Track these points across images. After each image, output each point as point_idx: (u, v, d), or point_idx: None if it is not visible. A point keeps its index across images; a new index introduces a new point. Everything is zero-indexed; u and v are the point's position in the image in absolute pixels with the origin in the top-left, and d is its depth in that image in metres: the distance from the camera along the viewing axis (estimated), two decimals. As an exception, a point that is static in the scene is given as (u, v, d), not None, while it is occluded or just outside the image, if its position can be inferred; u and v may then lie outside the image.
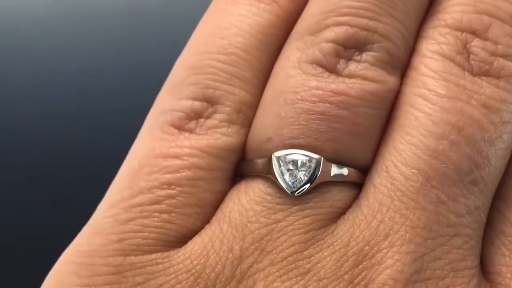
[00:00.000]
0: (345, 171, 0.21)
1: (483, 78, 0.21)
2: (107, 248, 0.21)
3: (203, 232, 0.21)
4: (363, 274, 0.20)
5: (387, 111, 0.22)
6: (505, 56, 0.21)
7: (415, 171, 0.20)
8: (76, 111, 0.41)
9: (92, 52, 0.42)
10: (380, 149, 0.21)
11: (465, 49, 0.21)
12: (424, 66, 0.21)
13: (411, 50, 0.22)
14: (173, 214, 0.21)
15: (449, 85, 0.21)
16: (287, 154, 0.21)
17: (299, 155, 0.21)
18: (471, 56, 0.21)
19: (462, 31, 0.22)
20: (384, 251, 0.20)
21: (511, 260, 0.21)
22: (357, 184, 0.21)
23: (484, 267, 0.21)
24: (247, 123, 0.22)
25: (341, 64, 0.21)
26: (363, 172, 0.21)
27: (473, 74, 0.21)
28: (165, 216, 0.21)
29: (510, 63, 0.21)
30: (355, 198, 0.21)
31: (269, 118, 0.21)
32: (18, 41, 0.43)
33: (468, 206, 0.20)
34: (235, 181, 0.22)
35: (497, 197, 0.21)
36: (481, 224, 0.21)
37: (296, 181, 0.21)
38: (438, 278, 0.20)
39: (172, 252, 0.21)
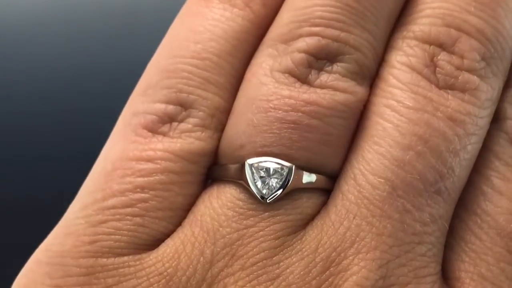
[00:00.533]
0: (313, 178, 0.22)
1: (449, 91, 0.22)
2: (79, 250, 0.21)
3: (175, 235, 0.22)
4: (329, 280, 0.21)
5: (356, 121, 0.22)
6: (470, 71, 0.22)
7: (382, 180, 0.21)
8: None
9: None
10: (349, 157, 0.22)
11: (432, 62, 0.22)
12: (393, 78, 0.22)
13: (380, 60, 0.23)
14: (146, 218, 0.21)
15: (417, 97, 0.22)
16: (259, 162, 0.21)
17: (272, 163, 0.21)
18: (437, 69, 0.22)
19: (430, 44, 0.22)
20: (350, 257, 0.21)
21: (470, 266, 0.22)
22: (326, 191, 0.22)
23: (445, 273, 0.22)
24: (220, 128, 0.23)
25: (312, 75, 0.22)
26: (332, 179, 0.22)
27: (439, 87, 0.22)
28: (137, 219, 0.21)
29: (475, 77, 0.22)
30: (324, 204, 0.22)
31: (242, 125, 0.22)
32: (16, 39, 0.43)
33: (432, 215, 0.21)
34: (206, 184, 0.23)
35: (459, 205, 0.22)
36: (443, 232, 0.22)
37: (268, 188, 0.21)
38: (402, 284, 0.21)
39: (144, 255, 0.21)
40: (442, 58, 0.22)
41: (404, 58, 0.22)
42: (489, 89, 0.22)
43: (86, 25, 0.44)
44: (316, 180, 0.22)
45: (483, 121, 0.22)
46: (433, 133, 0.21)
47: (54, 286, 0.21)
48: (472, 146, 0.22)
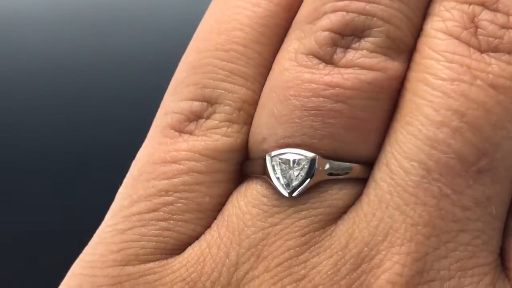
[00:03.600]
0: (346, 167, 0.20)
1: (491, 54, 0.19)
2: (107, 259, 0.21)
3: (202, 237, 0.21)
4: (361, 278, 0.19)
5: (391, 100, 0.20)
6: None
7: (415, 163, 0.19)
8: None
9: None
10: (385, 141, 0.20)
11: (472, 24, 0.19)
12: (427, 48, 0.20)
13: (418, 31, 0.20)
14: (171, 221, 0.21)
15: (452, 66, 0.19)
16: (280, 154, 0.20)
17: (292, 154, 0.20)
18: (479, 30, 0.19)
19: (470, 3, 0.20)
20: (383, 252, 0.19)
21: None
22: (363, 181, 0.20)
23: (505, 263, 0.19)
24: (250, 121, 0.21)
25: (337, 54, 0.20)
26: (367, 167, 0.20)
27: (481, 50, 0.19)
28: (163, 223, 0.21)
29: None
30: (359, 195, 0.20)
31: (264, 117, 0.20)
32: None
33: (476, 198, 0.19)
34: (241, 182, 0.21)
35: None
36: (496, 216, 0.19)
37: (290, 181, 0.20)
38: (443, 279, 0.18)
39: (170, 260, 0.20)
40: (484, 17, 0.19)
41: (440, 24, 0.20)
42: None
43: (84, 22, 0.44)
44: (346, 169, 0.20)
45: None
46: (470, 104, 0.19)
47: None
48: None
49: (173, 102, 0.22)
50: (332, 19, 0.20)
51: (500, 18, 0.19)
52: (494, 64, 0.19)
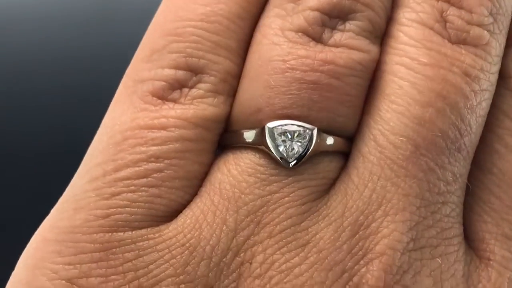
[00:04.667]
0: (335, 140, 0.21)
1: (462, 46, 0.21)
2: (91, 224, 0.20)
3: (193, 205, 0.20)
4: (360, 244, 0.20)
5: (369, 81, 0.22)
6: (480, 25, 0.22)
7: (404, 139, 0.20)
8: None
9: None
10: (364, 118, 0.21)
11: (441, 17, 0.22)
12: (404, 35, 0.22)
13: (389, 19, 0.22)
14: (162, 188, 0.20)
15: (431, 53, 0.21)
16: (280, 125, 0.20)
17: (294, 126, 0.20)
18: (448, 24, 0.22)
19: None
20: (379, 220, 0.20)
21: (493, 226, 0.21)
22: (345, 154, 0.21)
23: (467, 235, 0.22)
24: (232, 94, 0.22)
25: (326, 34, 0.21)
26: (349, 142, 0.21)
27: (452, 42, 0.21)
28: (154, 190, 0.20)
29: (485, 32, 0.22)
30: (343, 168, 0.21)
31: (258, 88, 0.21)
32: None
33: (454, 173, 0.21)
34: (218, 152, 0.22)
35: (474, 164, 0.22)
36: (463, 191, 0.21)
37: (291, 152, 0.20)
38: (432, 246, 0.20)
39: (162, 227, 0.20)
40: (452, 13, 0.22)
41: (413, 14, 0.22)
42: (497, 45, 0.22)
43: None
44: (335, 142, 0.21)
45: (494, 77, 0.22)
46: (451, 89, 0.21)
47: (66, 264, 0.19)
48: (485, 102, 0.21)
49: (152, 70, 0.21)
50: (321, 0, 0.21)
51: (465, 15, 0.22)
52: (465, 55, 0.21)
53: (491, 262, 0.21)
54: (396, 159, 0.20)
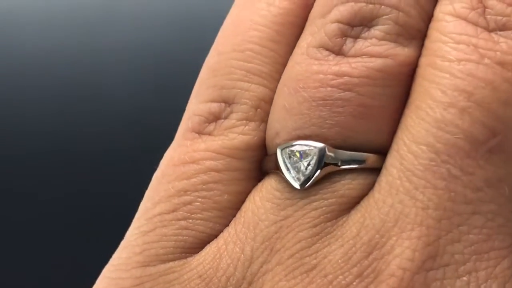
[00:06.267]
0: (358, 156, 0.19)
1: (500, 33, 0.18)
2: (131, 261, 0.21)
3: (220, 235, 0.21)
4: (373, 265, 0.18)
5: (403, 88, 0.20)
6: None
7: (424, 147, 0.18)
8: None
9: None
10: (396, 129, 0.19)
11: (480, 4, 0.19)
12: (436, 31, 0.19)
13: (430, 16, 0.20)
14: (190, 220, 0.21)
15: (459, 47, 0.19)
16: (289, 146, 0.20)
17: (301, 146, 0.20)
18: (487, 10, 0.19)
19: None
20: (394, 238, 0.18)
21: None
22: (377, 170, 0.20)
23: None
24: (267, 119, 0.21)
25: (347, 44, 0.20)
26: (381, 156, 0.20)
27: (489, 30, 0.19)
28: (182, 222, 0.21)
29: None
30: (373, 185, 0.19)
31: (276, 112, 0.21)
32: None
33: (487, 179, 0.18)
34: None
35: None
36: (509, 197, 0.18)
37: (301, 173, 0.19)
38: (458, 263, 0.18)
39: (189, 259, 0.21)
40: None
41: (448, 6, 0.19)
42: None
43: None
44: (358, 158, 0.19)
45: None
46: (478, 83, 0.18)
47: None
48: None
49: (194, 105, 0.22)
50: (341, 10, 0.20)
51: None
52: (502, 42, 0.18)
53: None
54: (415, 169, 0.18)
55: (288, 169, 0.20)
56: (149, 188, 0.23)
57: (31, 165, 0.41)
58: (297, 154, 0.20)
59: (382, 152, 0.20)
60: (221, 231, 0.21)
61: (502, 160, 0.18)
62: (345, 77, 0.19)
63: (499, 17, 0.19)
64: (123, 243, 0.22)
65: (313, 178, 0.19)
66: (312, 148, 0.19)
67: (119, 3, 0.44)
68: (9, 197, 0.39)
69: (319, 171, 0.19)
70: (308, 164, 0.19)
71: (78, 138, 0.38)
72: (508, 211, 0.18)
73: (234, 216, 0.21)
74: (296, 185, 0.20)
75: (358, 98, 0.19)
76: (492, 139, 0.18)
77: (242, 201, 0.21)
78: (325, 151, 0.19)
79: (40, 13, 0.45)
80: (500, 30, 0.18)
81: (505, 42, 0.18)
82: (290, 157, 0.20)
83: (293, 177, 0.20)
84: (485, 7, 0.19)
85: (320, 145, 0.19)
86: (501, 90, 0.18)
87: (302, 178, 0.19)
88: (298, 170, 0.20)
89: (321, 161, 0.19)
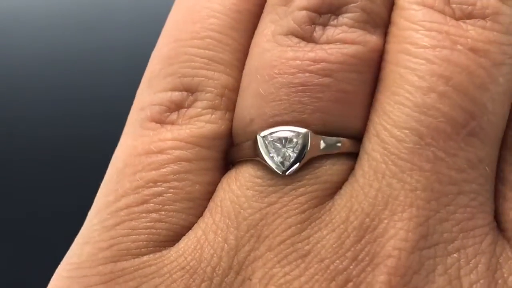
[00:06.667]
0: (337, 141, 0.20)
1: (467, 21, 0.19)
2: (97, 257, 0.20)
3: (196, 226, 0.20)
4: (366, 249, 0.19)
5: (372, 74, 0.20)
6: None
7: (406, 131, 0.19)
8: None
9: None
10: (370, 114, 0.20)
11: None
12: (404, 19, 0.20)
13: (391, 4, 0.21)
14: (163, 212, 0.20)
15: (431, 34, 0.19)
16: (272, 133, 0.20)
17: (285, 132, 0.20)
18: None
19: None
20: (386, 221, 0.19)
21: None
22: (353, 155, 0.20)
23: (500, 224, 0.19)
24: (232, 107, 0.21)
25: (317, 31, 0.20)
26: (357, 141, 0.20)
27: (456, 18, 0.20)
28: (154, 215, 0.20)
29: (494, 0, 0.20)
30: (352, 170, 0.20)
31: (249, 98, 0.20)
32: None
33: (469, 159, 0.19)
34: (228, 169, 0.21)
35: (504, 147, 0.20)
36: (488, 177, 0.19)
37: (285, 159, 0.19)
38: (447, 242, 0.19)
39: (164, 252, 0.20)
40: None
41: None
42: None
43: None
44: (337, 143, 0.20)
45: None
46: (454, 69, 0.19)
47: None
48: (504, 78, 0.19)
49: (150, 95, 0.21)
50: None
51: None
52: (471, 30, 0.19)
53: None
54: (400, 153, 0.19)
55: (271, 156, 0.20)
56: (105, 181, 0.21)
57: (31, 165, 0.38)
58: (281, 140, 0.20)
59: (357, 137, 0.20)
60: (193, 222, 0.20)
61: (481, 142, 0.19)
62: (322, 63, 0.20)
63: (464, 6, 0.20)
64: (79, 240, 0.21)
65: (297, 164, 0.19)
66: (296, 133, 0.19)
67: (119, 3, 0.42)
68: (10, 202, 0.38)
69: (303, 156, 0.19)
70: (293, 150, 0.19)
71: (78, 138, 0.36)
72: (485, 191, 0.19)
73: (205, 206, 0.20)
74: (281, 171, 0.19)
75: (337, 83, 0.20)
76: (471, 122, 0.19)
77: (211, 192, 0.21)
78: (309, 137, 0.19)
79: (39, 13, 0.43)
80: (467, 18, 0.20)
81: (474, 30, 0.19)
82: (272, 143, 0.20)
83: (276, 163, 0.19)
84: None
85: (304, 130, 0.19)
86: (476, 75, 0.19)
87: (287, 164, 0.19)
88: (282, 156, 0.19)
89: (306, 147, 0.19)
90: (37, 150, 0.39)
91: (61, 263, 0.21)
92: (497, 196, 0.20)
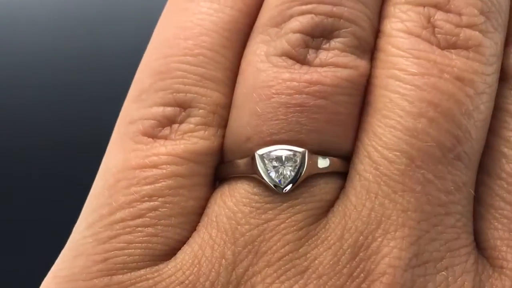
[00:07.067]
0: (328, 161, 0.20)
1: (452, 51, 0.21)
2: (91, 270, 0.20)
3: (191, 240, 0.20)
4: (361, 266, 0.19)
5: (361, 97, 0.21)
6: (470, 26, 0.21)
7: (398, 153, 0.20)
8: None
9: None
10: (359, 135, 0.21)
11: (429, 24, 0.21)
12: (392, 47, 0.21)
13: (377, 31, 0.22)
14: (158, 227, 0.20)
15: (420, 62, 0.21)
16: (270, 151, 0.20)
17: (283, 151, 0.20)
18: (436, 29, 0.21)
19: (424, 5, 0.21)
20: (379, 239, 0.20)
21: (505, 232, 0.21)
22: (342, 174, 0.21)
23: (479, 244, 0.21)
24: (223, 124, 0.21)
25: (310, 54, 0.21)
26: (346, 161, 0.21)
27: (441, 47, 0.21)
28: (150, 229, 0.20)
29: (477, 32, 0.21)
30: (341, 188, 0.21)
31: (245, 116, 0.21)
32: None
33: (455, 182, 0.20)
34: (215, 185, 0.21)
35: (481, 170, 0.21)
36: (470, 200, 0.21)
37: (283, 177, 0.20)
38: (436, 260, 0.20)
39: (161, 266, 0.20)
40: (439, 17, 0.21)
41: (399, 24, 0.21)
42: (492, 44, 0.21)
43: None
44: (330, 163, 0.21)
45: (491, 78, 0.21)
46: (442, 96, 0.20)
47: None
48: (484, 106, 0.21)
49: (141, 109, 0.21)
50: (302, 21, 0.21)
51: (454, 18, 0.21)
52: (456, 59, 0.21)
53: (504, 270, 0.20)
54: (391, 174, 0.20)
55: (269, 174, 0.20)
56: (97, 193, 0.21)
57: (30, 165, 0.35)
58: (280, 159, 0.20)
59: (347, 157, 0.21)
60: (187, 237, 0.20)
61: (465, 166, 0.20)
62: (318, 85, 0.20)
63: (448, 36, 0.21)
64: (71, 252, 0.21)
65: (296, 182, 0.20)
66: (295, 153, 0.20)
67: (119, 3, 0.41)
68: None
69: (300, 175, 0.20)
70: (292, 168, 0.20)
71: (78, 138, 0.34)
72: (467, 212, 0.21)
73: (198, 221, 0.21)
74: (278, 189, 0.20)
75: (332, 105, 0.20)
76: (458, 147, 0.20)
77: (203, 207, 0.21)
78: (306, 156, 0.20)
79: (40, 13, 0.42)
80: (452, 48, 0.21)
81: (458, 59, 0.21)
82: (271, 161, 0.20)
83: (275, 181, 0.20)
84: (434, 27, 0.21)
85: (301, 149, 0.20)
86: (462, 103, 0.20)
87: (285, 182, 0.20)
88: (280, 174, 0.20)
89: (303, 166, 0.20)
90: (37, 150, 0.38)
91: (46, 277, 0.21)
92: (475, 217, 0.21)
